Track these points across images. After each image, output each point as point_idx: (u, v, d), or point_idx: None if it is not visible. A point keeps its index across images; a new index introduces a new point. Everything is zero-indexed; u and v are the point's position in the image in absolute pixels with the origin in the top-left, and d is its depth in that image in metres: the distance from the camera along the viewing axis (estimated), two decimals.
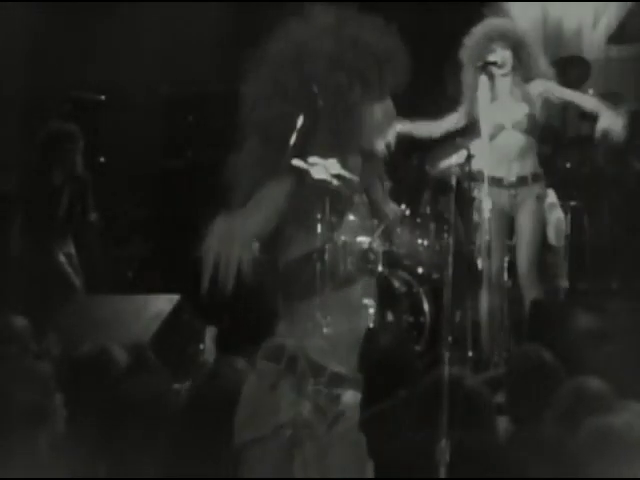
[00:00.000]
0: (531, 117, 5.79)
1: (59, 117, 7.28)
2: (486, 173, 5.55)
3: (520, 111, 5.80)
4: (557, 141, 7.23)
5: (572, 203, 6.81)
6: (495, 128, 5.71)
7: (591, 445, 2.40)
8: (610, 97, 7.63)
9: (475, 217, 5.84)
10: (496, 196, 5.63)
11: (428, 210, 6.86)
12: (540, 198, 5.82)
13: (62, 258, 6.66)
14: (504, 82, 5.83)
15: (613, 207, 7.44)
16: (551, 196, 6.46)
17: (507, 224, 5.87)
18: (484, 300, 5.76)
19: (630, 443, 2.40)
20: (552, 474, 2.13)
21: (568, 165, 7.29)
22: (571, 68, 7.50)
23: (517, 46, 5.77)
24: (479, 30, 5.87)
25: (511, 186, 5.75)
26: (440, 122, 5.96)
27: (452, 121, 5.93)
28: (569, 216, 6.74)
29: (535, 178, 5.81)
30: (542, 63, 5.87)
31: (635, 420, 2.48)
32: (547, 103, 5.86)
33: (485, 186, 5.53)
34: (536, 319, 4.93)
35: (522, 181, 5.77)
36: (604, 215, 7.38)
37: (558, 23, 8.56)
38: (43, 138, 6.72)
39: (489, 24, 6.03)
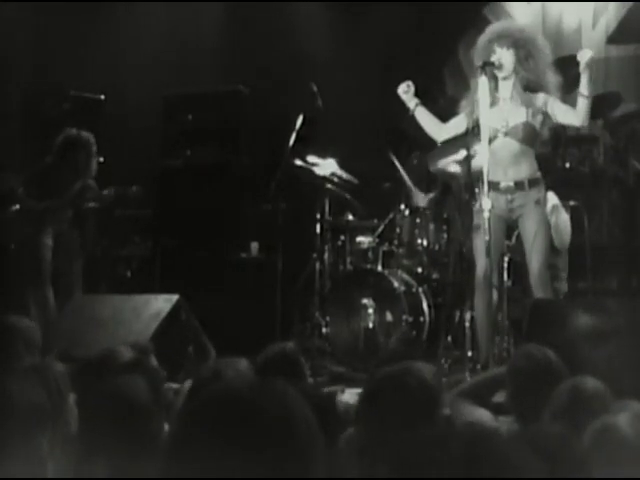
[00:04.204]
0: (527, 126, 5.76)
1: (62, 118, 7.32)
2: (485, 174, 5.54)
3: (517, 118, 5.76)
4: (557, 141, 7.23)
5: (572, 203, 6.80)
6: (492, 132, 5.69)
7: (591, 445, 2.39)
8: (609, 97, 7.66)
9: (474, 218, 5.84)
10: (493, 200, 5.61)
11: (428, 210, 6.87)
12: (539, 203, 5.79)
13: (50, 244, 6.69)
14: (506, 86, 5.80)
15: (613, 207, 7.44)
16: (553, 199, 6.44)
17: (504, 226, 5.86)
18: (484, 300, 5.75)
19: (630, 443, 2.40)
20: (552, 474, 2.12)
21: (568, 165, 7.28)
22: (570, 67, 7.47)
23: (517, 46, 5.73)
24: (485, 33, 5.86)
25: (507, 191, 5.73)
26: (446, 127, 5.96)
27: (455, 126, 5.92)
28: (569, 216, 6.74)
29: (532, 183, 5.78)
30: (544, 65, 5.82)
31: (635, 420, 2.48)
32: (546, 121, 5.83)
33: (485, 186, 5.52)
34: (536, 319, 4.92)
35: (519, 186, 5.75)
36: (604, 215, 7.39)
37: (557, 23, 8.57)
38: (59, 145, 6.77)
39: (492, 27, 6.01)
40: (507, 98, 5.81)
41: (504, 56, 5.71)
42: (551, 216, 6.17)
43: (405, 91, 5.93)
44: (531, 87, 5.82)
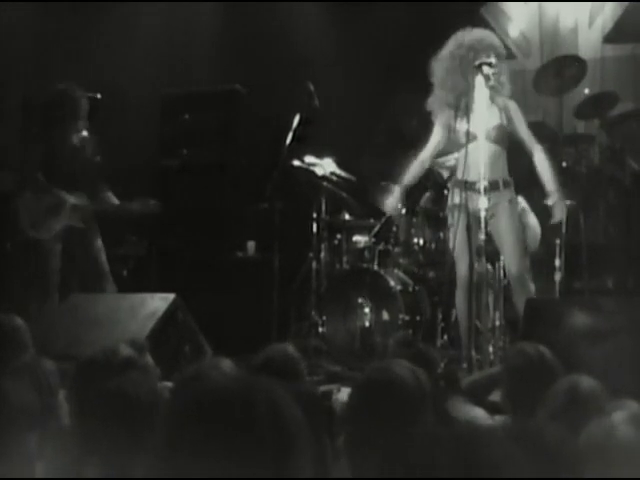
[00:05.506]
0: (501, 128, 5.85)
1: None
2: (482, 175, 5.57)
3: (492, 121, 5.84)
4: (553, 140, 7.24)
5: (568, 202, 6.81)
6: (471, 136, 5.74)
7: (587, 444, 2.40)
8: (606, 96, 7.67)
9: (447, 217, 5.92)
10: (467, 199, 5.68)
11: (424, 209, 6.88)
12: (511, 202, 5.86)
13: (57, 250, 6.64)
14: (485, 89, 5.85)
15: (609, 206, 7.45)
16: (521, 202, 6.53)
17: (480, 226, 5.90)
18: (465, 299, 5.76)
19: (626, 442, 2.40)
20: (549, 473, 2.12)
21: (564, 164, 7.29)
22: (567, 67, 7.51)
23: (499, 57, 5.86)
24: (464, 39, 5.90)
25: (483, 190, 5.76)
26: (425, 152, 6.03)
27: (435, 142, 6.00)
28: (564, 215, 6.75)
29: (505, 184, 5.86)
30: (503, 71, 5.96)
31: (631, 419, 2.48)
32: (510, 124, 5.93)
33: (482, 186, 5.55)
34: (531, 318, 4.93)
35: (493, 186, 5.79)
36: (600, 214, 7.39)
37: (554, 22, 8.58)
38: (45, 101, 6.71)
39: (475, 34, 6.04)
40: (486, 100, 5.87)
41: (495, 61, 5.80)
42: (523, 219, 6.27)
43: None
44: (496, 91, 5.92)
